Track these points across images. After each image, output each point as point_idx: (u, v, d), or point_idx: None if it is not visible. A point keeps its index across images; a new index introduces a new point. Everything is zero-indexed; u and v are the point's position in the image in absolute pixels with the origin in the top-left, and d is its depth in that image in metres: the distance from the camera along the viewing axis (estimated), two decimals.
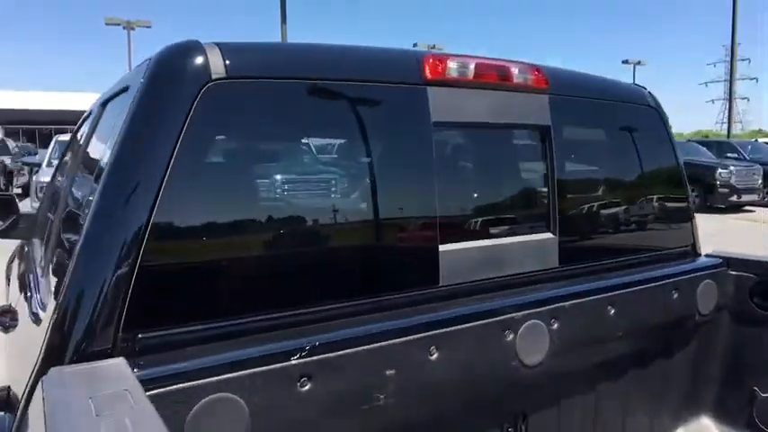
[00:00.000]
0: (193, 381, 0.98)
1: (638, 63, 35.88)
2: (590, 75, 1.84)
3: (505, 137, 1.58)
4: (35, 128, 29.77)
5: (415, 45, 19.38)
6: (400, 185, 1.40)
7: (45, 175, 9.02)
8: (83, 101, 24.11)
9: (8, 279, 2.65)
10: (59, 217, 1.65)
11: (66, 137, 11.79)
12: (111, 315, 1.02)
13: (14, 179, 14.80)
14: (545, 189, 1.60)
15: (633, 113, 1.85)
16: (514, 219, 1.58)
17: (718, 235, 10.92)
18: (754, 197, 14.75)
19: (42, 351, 1.05)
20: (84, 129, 1.94)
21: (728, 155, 17.51)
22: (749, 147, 18.08)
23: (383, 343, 1.20)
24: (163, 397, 0.92)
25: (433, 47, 19.88)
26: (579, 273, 1.63)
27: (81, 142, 1.88)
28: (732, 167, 14.52)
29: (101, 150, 1.33)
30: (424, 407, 1.30)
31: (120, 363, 0.96)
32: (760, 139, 22.81)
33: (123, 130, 1.10)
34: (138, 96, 1.12)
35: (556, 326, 1.47)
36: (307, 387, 1.10)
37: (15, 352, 1.48)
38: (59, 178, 2.33)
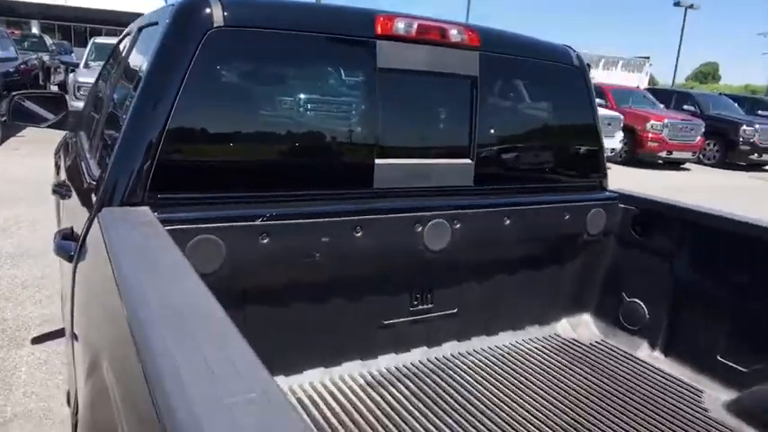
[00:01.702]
0: (191, 224, 1.56)
1: (691, 6, 34.10)
2: (522, 36, 2.27)
3: (440, 83, 2.06)
4: (70, 25, 30.11)
5: None
6: (352, 113, 1.91)
7: (83, 76, 9.52)
8: (116, 2, 24.21)
9: (57, 165, 3.28)
10: (104, 115, 2.20)
11: (102, 39, 12.26)
12: (141, 182, 1.58)
13: (52, 76, 15.41)
14: (468, 126, 2.09)
15: (557, 71, 2.30)
16: (440, 146, 2.09)
17: (730, 191, 11.19)
18: None
19: (95, 203, 1.63)
20: (125, 45, 2.45)
21: (760, 113, 17.25)
22: None
23: (321, 219, 1.76)
24: (171, 232, 1.50)
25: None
26: (489, 192, 2.15)
27: (122, 56, 2.39)
28: (758, 125, 14.42)
29: (137, 68, 1.86)
30: (350, 269, 1.88)
31: (146, 209, 1.53)
32: None
33: (152, 58, 1.63)
34: (163, 34, 1.63)
35: (458, 225, 2.02)
36: (265, 241, 1.68)
37: (71, 210, 2.08)
38: (102, 83, 2.88)
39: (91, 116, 2.68)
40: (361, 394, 1.95)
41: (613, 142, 12.04)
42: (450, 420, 1.82)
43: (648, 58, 38.76)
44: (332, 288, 1.93)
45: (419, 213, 1.95)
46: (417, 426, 1.79)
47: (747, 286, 2.06)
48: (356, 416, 1.83)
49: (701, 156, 14.42)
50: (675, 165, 13.65)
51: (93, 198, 1.66)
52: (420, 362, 2.16)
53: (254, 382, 0.71)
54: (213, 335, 0.84)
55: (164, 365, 0.73)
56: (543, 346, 2.36)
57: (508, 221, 2.14)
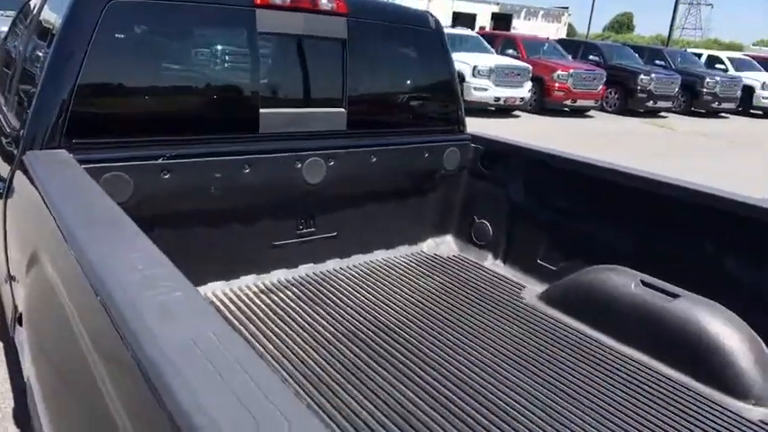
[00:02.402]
0: (103, 164, 1.95)
1: None
2: (386, 3, 2.72)
3: (314, 44, 2.48)
4: None
5: None
6: (238, 71, 2.31)
7: None
8: None
9: None
10: (18, 72, 2.48)
11: None
12: (58, 129, 1.94)
13: None
14: (341, 80, 2.54)
15: (416, 33, 2.77)
16: (317, 97, 2.53)
17: (623, 134, 12.25)
18: (668, 104, 16.06)
19: (20, 147, 1.97)
20: (34, 5, 2.69)
21: (657, 62, 18.56)
22: (679, 57, 19.11)
23: (214, 159, 2.18)
24: (87, 170, 1.88)
25: None
26: (360, 136, 2.63)
27: (33, 17, 2.64)
28: (653, 75, 15.59)
29: (49, 30, 2.17)
30: (241, 199, 2.33)
31: (64, 152, 1.90)
32: (716, 50, 23.71)
33: (62, 26, 1.96)
34: (70, 7, 1.96)
35: (332, 163, 2.49)
36: (167, 176, 2.09)
37: None
38: (12, 41, 3.09)
39: (4, 72, 2.91)
40: (257, 300, 2.43)
41: (522, 92, 12.78)
42: (331, 319, 2.33)
43: (567, 8, 39.98)
44: (228, 215, 2.38)
45: (298, 153, 2.41)
46: (303, 323, 2.29)
47: (560, 207, 2.68)
48: (252, 315, 2.32)
49: (603, 103, 15.53)
50: (581, 112, 14.66)
51: (14, 145, 2.00)
52: (307, 275, 2.66)
53: (173, 276, 1.01)
54: (129, 236, 1.24)
55: (96, 261, 1.05)
56: (410, 261, 2.92)
57: (375, 159, 2.63)
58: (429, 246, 3.08)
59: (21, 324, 1.69)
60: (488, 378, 1.97)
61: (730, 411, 1.90)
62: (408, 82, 2.83)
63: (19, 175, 1.87)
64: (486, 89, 12.12)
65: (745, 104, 17.83)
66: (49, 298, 1.29)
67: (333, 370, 1.96)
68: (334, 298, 2.50)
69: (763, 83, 17.98)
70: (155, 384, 0.74)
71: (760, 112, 18.30)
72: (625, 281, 2.27)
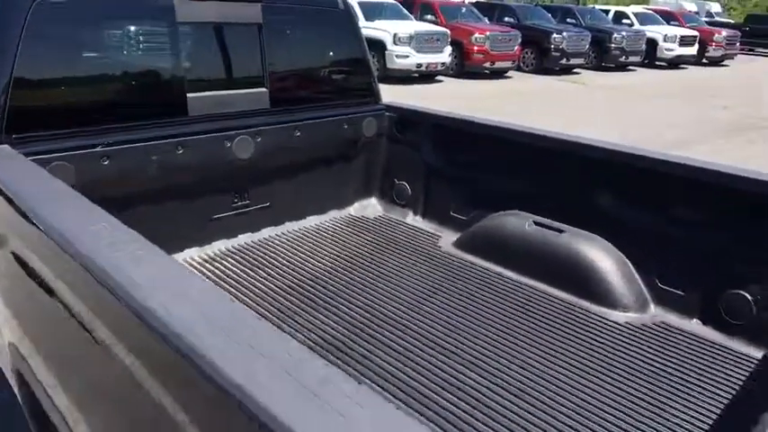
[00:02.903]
0: (45, 155, 2.11)
1: None
2: None
3: (234, 30, 2.68)
4: None
5: None
6: (163, 60, 2.50)
7: None
8: None
9: None
10: None
11: None
12: None
13: None
14: (260, 62, 2.76)
15: (327, 13, 3.02)
16: (240, 79, 2.75)
17: (539, 92, 12.89)
18: (580, 60, 16.91)
19: None
20: None
21: (569, 20, 19.41)
22: (588, 15, 20.03)
23: (148, 143, 2.38)
24: (32, 161, 2.04)
25: None
26: (282, 112, 2.87)
27: None
28: (565, 33, 16.33)
29: None
30: (178, 178, 2.54)
31: (7, 147, 2.05)
32: (623, 5, 24.74)
33: None
34: (2, 5, 2.09)
35: (259, 139, 2.74)
36: (106, 163, 2.27)
37: None
38: None
39: None
40: (202, 269, 2.67)
41: (443, 57, 13.16)
42: (270, 278, 2.60)
43: None
44: (167, 194, 2.59)
45: (227, 133, 2.63)
46: (243, 289, 2.55)
47: (465, 164, 3.04)
48: None
49: (521, 64, 16.19)
50: (500, 74, 15.24)
51: None
52: (246, 243, 2.92)
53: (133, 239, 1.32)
54: (86, 210, 1.47)
55: (65, 230, 1.34)
56: (341, 224, 3.23)
57: (299, 133, 2.89)
58: (356, 208, 3.39)
59: None
60: (407, 311, 2.33)
61: (605, 318, 2.34)
62: (323, 60, 3.08)
63: None
64: (407, 56, 12.41)
65: (650, 57, 19.05)
66: (20, 268, 1.53)
67: (272, 316, 2.26)
68: (272, 261, 2.77)
69: (665, 35, 19.21)
70: (133, 306, 1.00)
71: (664, 64, 19.59)
72: (521, 222, 2.68)
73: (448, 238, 3.04)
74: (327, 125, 3.03)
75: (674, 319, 2.33)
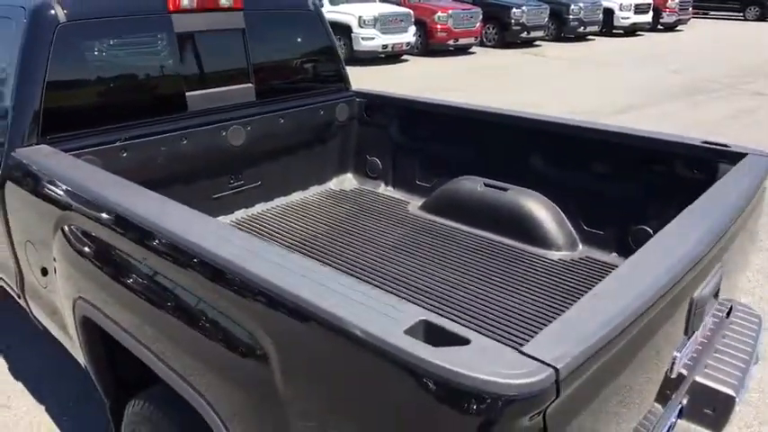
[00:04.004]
0: (75, 151, 2.57)
1: None
2: None
3: (222, 36, 3.13)
4: None
5: None
6: (166, 65, 2.94)
7: None
8: None
9: None
10: None
11: None
12: (35, 130, 2.52)
13: None
14: (245, 62, 3.23)
15: (300, 15, 3.48)
16: (229, 78, 3.21)
17: (505, 67, 13.39)
18: (540, 33, 17.41)
19: (6, 147, 2.53)
20: None
21: None
22: None
23: (158, 136, 2.85)
24: None
25: None
26: (267, 103, 3.35)
27: None
28: (524, 7, 16.77)
29: (6, 56, 2.67)
30: (184, 165, 3.01)
31: (45, 146, 2.50)
32: None
33: (21, 50, 2.50)
34: (26, 29, 2.50)
35: (249, 128, 3.21)
36: (125, 155, 2.74)
37: None
38: None
39: None
40: None
41: (407, 37, 13.58)
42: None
43: None
44: (175, 178, 3.05)
45: (222, 123, 3.11)
46: None
47: (426, 139, 3.56)
48: None
49: (483, 39, 16.67)
50: (464, 50, 15.72)
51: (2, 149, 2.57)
52: (242, 217, 3.41)
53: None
54: (136, 189, 1.95)
55: (128, 206, 1.83)
56: (322, 197, 3.73)
57: (282, 121, 3.37)
58: (335, 183, 3.90)
59: (45, 274, 2.35)
60: (382, 262, 2.86)
61: (543, 258, 2.91)
62: (299, 55, 3.55)
63: (6, 168, 2.46)
64: (373, 38, 12.79)
65: (608, 26, 19.68)
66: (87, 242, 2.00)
67: None
68: (265, 231, 3.27)
69: (621, 4, 19.82)
70: (202, 254, 1.50)
71: (621, 32, 20.27)
72: (474, 185, 3.22)
73: (415, 203, 3.57)
74: (306, 112, 3.51)
75: (597, 253, 2.91)
